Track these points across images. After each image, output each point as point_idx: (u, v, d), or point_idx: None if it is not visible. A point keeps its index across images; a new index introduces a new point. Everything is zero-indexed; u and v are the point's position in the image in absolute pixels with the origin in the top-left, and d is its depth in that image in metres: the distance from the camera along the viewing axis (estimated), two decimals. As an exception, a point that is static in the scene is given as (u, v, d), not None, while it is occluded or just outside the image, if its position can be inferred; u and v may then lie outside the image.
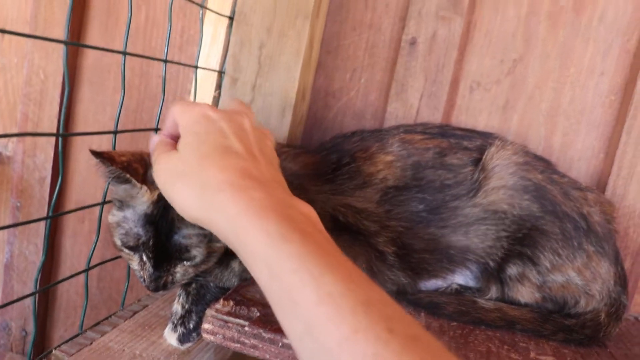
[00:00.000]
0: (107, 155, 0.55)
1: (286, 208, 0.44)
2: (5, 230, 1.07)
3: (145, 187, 0.57)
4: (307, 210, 0.47)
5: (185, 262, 0.60)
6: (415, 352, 0.35)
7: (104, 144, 0.99)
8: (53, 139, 1.00)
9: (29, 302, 1.06)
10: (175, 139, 0.54)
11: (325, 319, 0.36)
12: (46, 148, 1.02)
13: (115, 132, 0.66)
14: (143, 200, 0.57)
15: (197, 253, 0.59)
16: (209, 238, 0.59)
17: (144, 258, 0.59)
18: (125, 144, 1.00)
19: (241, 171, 0.47)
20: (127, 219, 0.59)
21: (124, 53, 0.64)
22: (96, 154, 0.55)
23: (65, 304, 1.10)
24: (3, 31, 0.47)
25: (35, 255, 1.05)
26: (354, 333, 0.35)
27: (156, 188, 0.56)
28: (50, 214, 0.57)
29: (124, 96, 0.64)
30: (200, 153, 0.48)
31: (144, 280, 0.60)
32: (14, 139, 1.05)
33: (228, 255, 0.67)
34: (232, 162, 0.47)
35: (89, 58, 1.04)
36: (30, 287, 1.06)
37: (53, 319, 1.11)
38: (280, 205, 0.44)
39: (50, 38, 0.51)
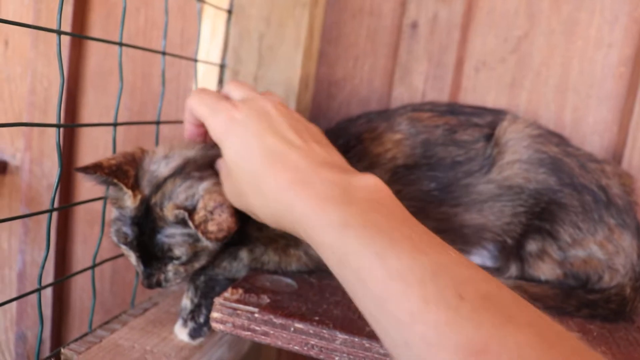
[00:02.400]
0: (92, 165, 0.58)
1: (346, 191, 0.45)
2: (17, 240, 1.07)
3: (129, 193, 0.58)
4: (367, 182, 0.47)
5: (174, 261, 0.60)
6: (487, 313, 0.35)
7: (109, 146, 0.99)
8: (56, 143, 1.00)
9: (43, 310, 1.05)
10: (200, 124, 0.58)
11: (395, 294, 0.37)
12: (52, 155, 1.02)
13: (114, 125, 0.65)
14: (128, 203, 0.59)
15: (181, 252, 0.59)
16: (194, 238, 0.59)
17: (133, 256, 0.61)
18: (131, 146, 1.00)
19: (292, 170, 0.47)
20: (119, 218, 0.60)
21: (120, 44, 0.63)
22: (79, 169, 0.57)
23: (79, 311, 1.10)
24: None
25: (47, 263, 1.04)
26: (425, 304, 0.36)
27: (139, 193, 0.59)
28: (52, 207, 0.56)
29: (121, 89, 0.63)
30: (249, 169, 0.50)
31: (140, 276, 0.62)
32: (21, 148, 1.06)
33: (236, 246, 0.66)
34: (279, 166, 0.48)
35: (92, 63, 1.04)
36: (45, 295, 1.06)
37: (68, 325, 1.11)
38: (339, 189, 0.45)
39: (43, 27, 0.51)
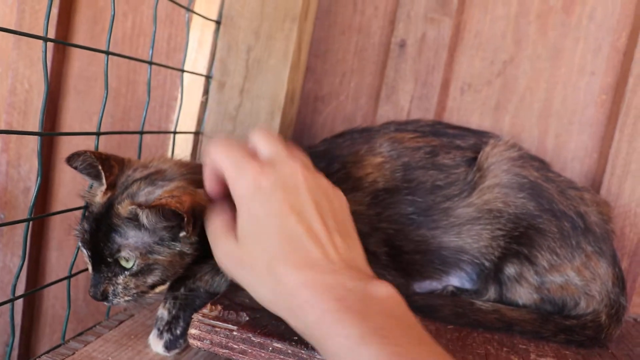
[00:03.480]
0: (85, 149, 0.59)
1: (362, 302, 0.44)
2: (-11, 244, 1.04)
3: (103, 187, 0.59)
4: (386, 292, 0.46)
5: (125, 272, 0.58)
6: None
7: (90, 153, 0.97)
8: (37, 149, 0.98)
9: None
10: (223, 181, 0.53)
11: None
12: (31, 158, 1.00)
13: (98, 134, 0.64)
14: (97, 198, 0.59)
15: (131, 257, 0.57)
16: (147, 248, 0.57)
17: (86, 256, 0.60)
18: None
19: (313, 268, 0.46)
20: (87, 216, 0.61)
21: (107, 52, 0.62)
22: (72, 155, 0.58)
23: (51, 319, 1.07)
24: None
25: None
26: None
27: (110, 192, 0.59)
28: (29, 216, 0.55)
29: (106, 97, 0.62)
30: (265, 248, 0.47)
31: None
32: (-2, 150, 1.03)
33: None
34: (302, 256, 0.46)
35: (75, 67, 1.03)
36: (16, 302, 1.03)
37: (38, 333, 1.08)
38: (356, 299, 0.44)
39: (30, 34, 0.50)
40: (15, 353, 1.05)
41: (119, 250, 0.57)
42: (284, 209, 0.48)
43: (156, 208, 0.54)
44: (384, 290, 0.46)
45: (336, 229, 0.50)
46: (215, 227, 0.53)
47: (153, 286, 0.60)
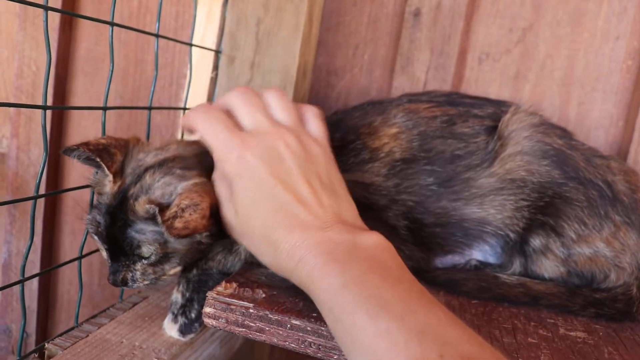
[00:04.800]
0: (80, 143, 0.56)
1: (349, 252, 0.47)
2: (3, 230, 1.03)
3: (110, 177, 0.56)
4: (370, 241, 0.49)
5: (143, 260, 0.57)
6: None
7: (99, 134, 0.95)
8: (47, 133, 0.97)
9: (29, 303, 1.02)
10: None
11: (382, 352, 0.40)
12: (40, 142, 0.98)
13: (104, 109, 0.62)
14: (107, 189, 0.57)
15: (150, 251, 0.56)
16: (165, 238, 0.56)
17: (102, 248, 0.58)
18: (121, 135, 0.97)
19: (303, 228, 0.49)
20: (97, 206, 0.58)
21: (112, 24, 0.60)
22: (65, 149, 0.56)
23: (66, 304, 1.07)
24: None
25: (33, 254, 1.01)
26: None
27: (120, 180, 0.56)
28: (36, 194, 0.53)
29: (112, 71, 0.60)
30: (259, 219, 0.52)
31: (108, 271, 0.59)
32: (8, 135, 1.02)
33: (232, 239, 0.63)
34: (292, 220, 0.50)
35: (81, 49, 1.01)
36: (31, 288, 1.03)
37: (54, 319, 1.08)
38: (344, 251, 0.47)
39: (31, 2, 0.48)
40: (32, 339, 1.04)
41: (139, 247, 0.56)
42: (271, 181, 0.52)
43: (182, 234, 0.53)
44: (371, 239, 0.49)
45: (322, 188, 0.53)
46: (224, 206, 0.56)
47: (171, 271, 0.60)
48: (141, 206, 0.54)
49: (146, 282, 0.59)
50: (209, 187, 0.55)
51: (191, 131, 0.59)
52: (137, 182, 0.56)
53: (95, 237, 0.59)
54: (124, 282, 0.58)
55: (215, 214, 0.55)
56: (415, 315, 0.42)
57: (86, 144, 0.56)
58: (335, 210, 0.52)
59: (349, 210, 0.55)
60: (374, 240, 0.50)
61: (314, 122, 0.60)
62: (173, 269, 0.60)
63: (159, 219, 0.52)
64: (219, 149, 0.54)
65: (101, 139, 0.58)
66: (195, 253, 0.59)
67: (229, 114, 0.57)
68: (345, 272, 0.46)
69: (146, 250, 0.56)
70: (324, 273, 0.46)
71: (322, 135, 0.60)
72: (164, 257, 0.57)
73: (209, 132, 0.55)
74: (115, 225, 0.56)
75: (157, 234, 0.55)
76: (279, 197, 0.51)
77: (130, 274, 0.58)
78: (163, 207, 0.53)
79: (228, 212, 0.55)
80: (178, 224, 0.51)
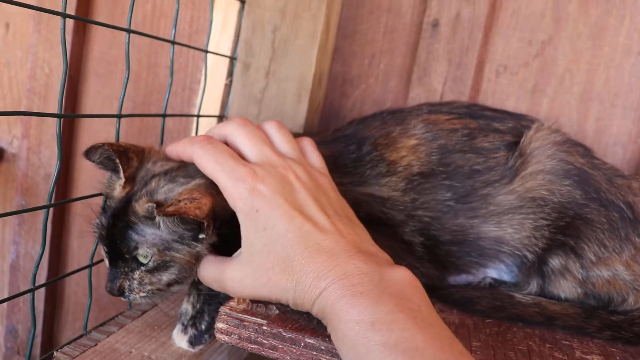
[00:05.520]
0: (103, 142, 0.56)
1: (377, 286, 0.45)
2: (11, 230, 1.03)
3: (122, 181, 0.56)
4: (398, 277, 0.48)
5: (141, 267, 0.56)
6: None
7: (111, 138, 0.95)
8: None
9: (35, 304, 1.02)
10: None
11: None
12: (51, 144, 0.98)
13: (119, 116, 0.61)
14: (116, 193, 0.57)
15: (147, 255, 0.55)
16: (164, 244, 0.55)
17: (103, 251, 0.57)
18: (133, 140, 0.96)
19: (328, 256, 0.48)
20: (105, 210, 0.58)
21: (128, 31, 0.59)
22: (89, 148, 0.56)
23: (73, 306, 1.06)
24: None
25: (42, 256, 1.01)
26: None
27: (129, 186, 0.56)
28: (49, 203, 0.53)
29: (128, 77, 0.59)
30: (278, 253, 0.49)
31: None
32: (19, 136, 1.02)
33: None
34: (315, 248, 0.48)
35: (95, 51, 1.00)
36: (38, 289, 1.02)
37: (61, 322, 1.07)
38: (371, 283, 0.46)
39: (48, 9, 0.47)
40: (38, 340, 1.04)
41: (136, 248, 0.55)
42: (288, 211, 0.50)
43: (173, 217, 0.51)
44: (398, 274, 0.48)
45: (338, 217, 0.52)
46: (213, 271, 0.54)
47: (169, 284, 0.58)
48: (141, 206, 0.54)
49: (143, 294, 0.57)
50: (211, 189, 0.54)
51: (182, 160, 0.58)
52: (143, 188, 0.56)
53: (99, 240, 0.58)
54: (121, 291, 0.57)
55: (215, 221, 0.54)
56: None
57: (110, 144, 0.56)
58: (354, 238, 0.51)
59: (367, 238, 0.54)
60: (402, 275, 0.48)
61: (314, 154, 0.60)
62: (174, 285, 0.58)
63: (155, 211, 0.52)
64: (227, 183, 0.51)
65: (120, 144, 0.58)
66: (194, 266, 0.57)
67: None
68: (374, 309, 0.44)
69: (143, 252, 0.55)
70: (350, 307, 0.44)
71: (323, 166, 0.59)
72: (162, 265, 0.56)
73: (212, 163, 0.52)
74: (116, 227, 0.55)
75: (157, 237, 0.55)
76: (299, 227, 0.49)
77: (128, 283, 0.56)
78: (161, 204, 0.53)
79: (230, 269, 0.53)
80: (169, 208, 0.51)
